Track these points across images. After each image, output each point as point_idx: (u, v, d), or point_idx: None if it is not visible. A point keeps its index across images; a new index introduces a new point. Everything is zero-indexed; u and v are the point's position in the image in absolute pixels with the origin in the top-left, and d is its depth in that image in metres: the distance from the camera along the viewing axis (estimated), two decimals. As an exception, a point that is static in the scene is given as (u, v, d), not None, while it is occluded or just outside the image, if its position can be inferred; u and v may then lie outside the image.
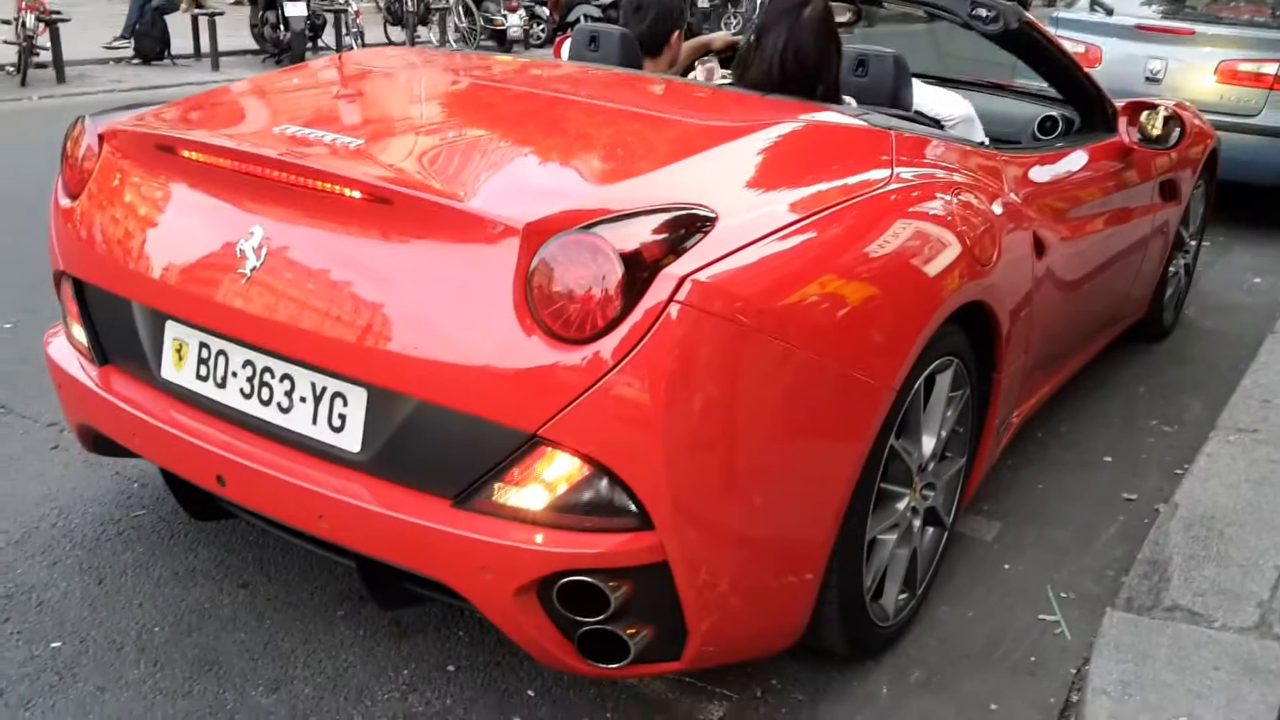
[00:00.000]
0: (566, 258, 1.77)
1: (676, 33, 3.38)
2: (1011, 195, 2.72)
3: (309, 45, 12.27)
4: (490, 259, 1.84)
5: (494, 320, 1.82)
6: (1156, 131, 3.43)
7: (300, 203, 2.02)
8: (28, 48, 9.84)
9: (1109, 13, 6.76)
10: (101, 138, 2.39)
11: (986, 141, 3.01)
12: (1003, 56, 3.44)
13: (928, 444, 2.39)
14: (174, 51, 11.82)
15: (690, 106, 2.64)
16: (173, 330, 2.21)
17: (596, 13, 13.48)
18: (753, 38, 2.77)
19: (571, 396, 1.78)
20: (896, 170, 2.34)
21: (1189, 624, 2.39)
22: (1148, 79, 6.32)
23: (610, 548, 1.84)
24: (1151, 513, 3.07)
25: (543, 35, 15.02)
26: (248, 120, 2.54)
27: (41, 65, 10.19)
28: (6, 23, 9.91)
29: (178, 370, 2.21)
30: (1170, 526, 2.80)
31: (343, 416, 2.00)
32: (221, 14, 12.24)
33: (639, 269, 1.77)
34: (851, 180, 2.24)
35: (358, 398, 1.98)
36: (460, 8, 14.62)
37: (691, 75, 3.55)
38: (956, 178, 2.51)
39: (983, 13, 3.09)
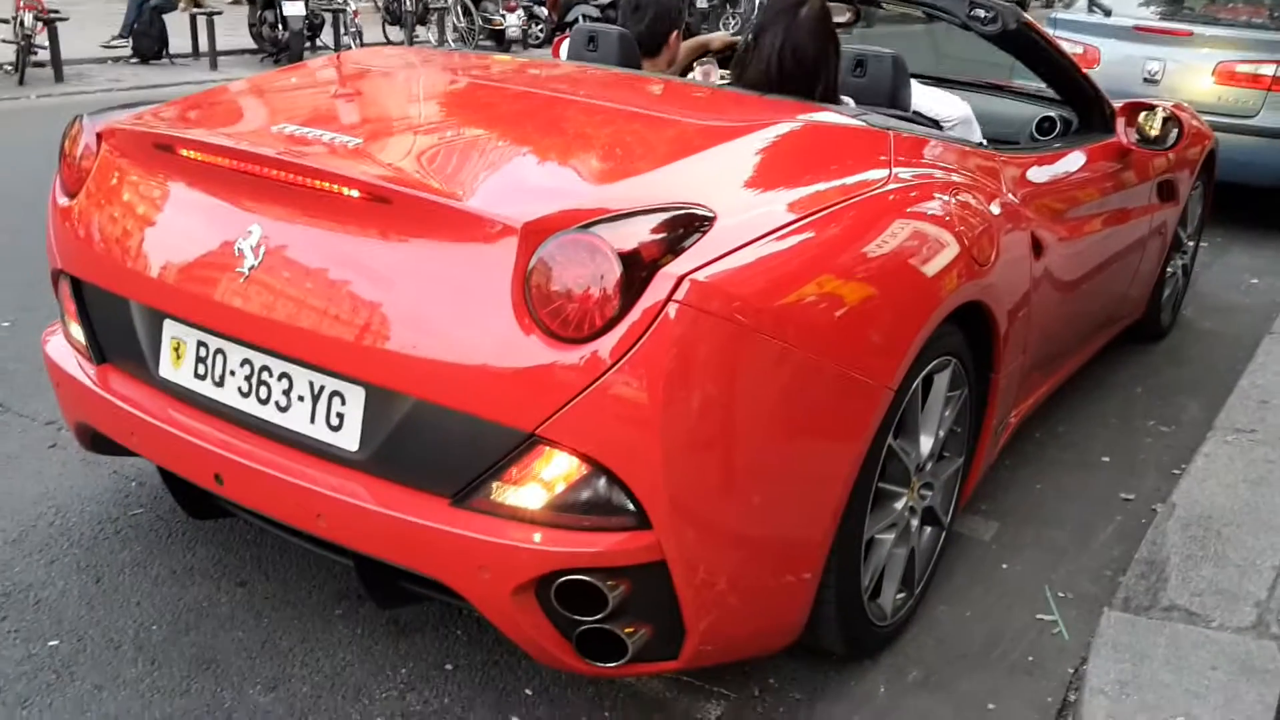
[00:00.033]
0: (565, 257, 1.78)
1: (675, 33, 3.38)
2: (1009, 196, 2.72)
3: (307, 45, 12.28)
4: (488, 258, 1.84)
5: (492, 319, 1.82)
6: (1154, 132, 3.44)
7: (299, 201, 2.02)
8: (26, 46, 9.83)
9: (1107, 14, 6.77)
10: (100, 136, 2.39)
11: (984, 143, 3.01)
12: (1001, 57, 3.45)
13: (926, 444, 2.39)
14: (172, 51, 11.82)
15: (689, 106, 2.65)
16: (171, 329, 2.21)
17: (595, 13, 13.50)
18: (750, 37, 2.77)
19: (570, 396, 1.78)
20: (895, 170, 2.34)
21: (1186, 624, 2.40)
22: (1146, 80, 6.33)
23: (608, 547, 1.84)
24: (1149, 513, 3.07)
25: (541, 35, 15.02)
26: (246, 119, 2.53)
27: (39, 64, 10.19)
28: (5, 21, 9.90)
29: (176, 369, 2.21)
30: (1168, 526, 2.81)
31: (341, 415, 2.00)
32: (220, 13, 12.24)
33: (637, 268, 1.77)
34: (850, 180, 2.24)
35: (356, 396, 1.98)
36: (458, 7, 14.62)
37: (690, 75, 3.55)
38: (955, 178, 2.51)
39: (981, 13, 3.09)
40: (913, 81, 2.92)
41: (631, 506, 1.83)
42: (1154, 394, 3.99)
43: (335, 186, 1.97)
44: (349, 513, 1.97)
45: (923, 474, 2.42)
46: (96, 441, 2.45)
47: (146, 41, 11.62)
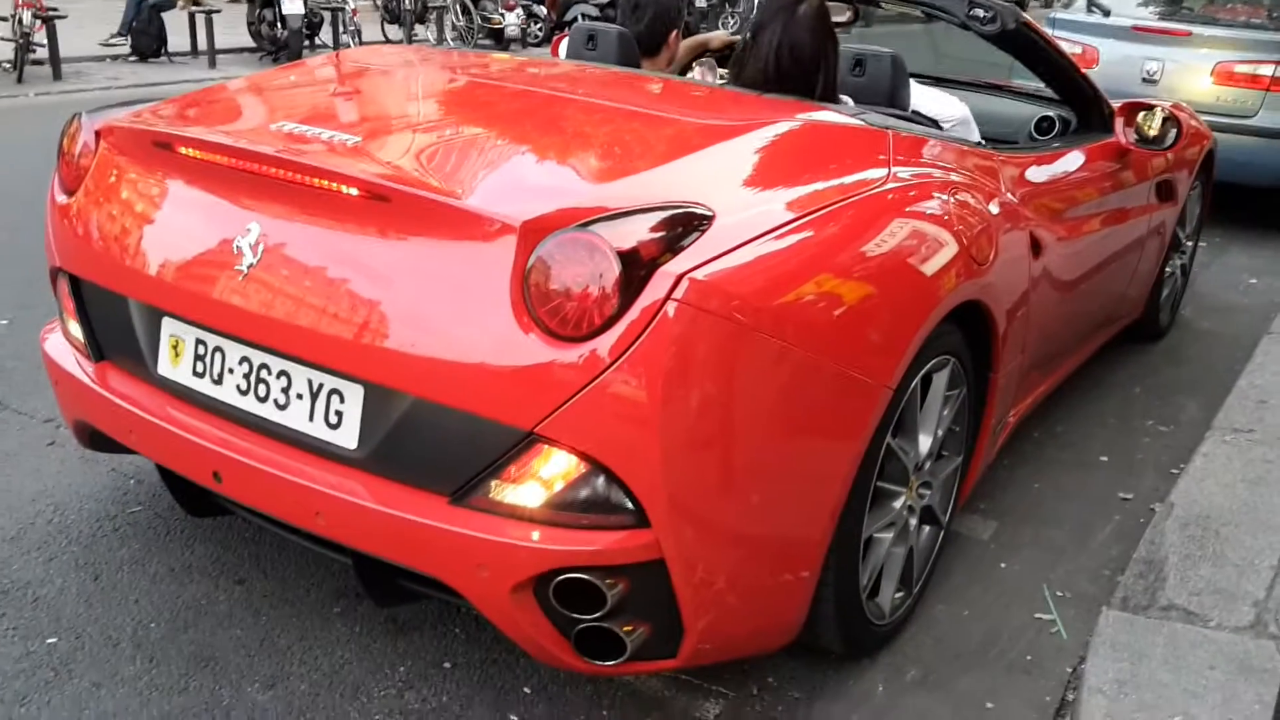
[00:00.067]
0: (564, 255, 1.78)
1: (674, 32, 3.38)
2: (1008, 195, 2.72)
3: (306, 43, 12.28)
4: (487, 256, 1.84)
5: (491, 318, 1.82)
6: (1153, 132, 3.44)
7: (297, 199, 2.02)
8: (24, 44, 9.83)
9: (1106, 14, 6.77)
10: (98, 134, 2.39)
11: (983, 142, 3.01)
12: (1000, 57, 3.45)
13: (924, 443, 2.39)
14: (171, 49, 11.82)
15: (688, 105, 2.64)
16: (169, 326, 2.21)
17: (594, 12, 13.48)
18: (749, 36, 2.78)
19: (568, 394, 1.78)
20: (894, 169, 2.34)
21: (1185, 623, 2.40)
22: (1144, 80, 6.33)
23: (607, 545, 1.84)
24: (1147, 512, 3.07)
25: (540, 34, 15.02)
26: (245, 117, 2.53)
27: (38, 62, 10.19)
28: (3, 19, 9.90)
29: (174, 367, 2.21)
30: (1166, 526, 2.81)
31: (339, 413, 2.00)
32: (218, 11, 12.24)
33: (636, 267, 1.77)
34: (848, 179, 2.24)
35: (354, 394, 1.98)
36: (458, 6, 14.62)
37: (689, 74, 3.55)
38: (953, 177, 2.52)
39: (980, 13, 3.09)
40: (911, 81, 2.92)
41: (630, 505, 1.83)
42: (1152, 394, 3.99)
43: (334, 185, 1.96)
44: (347, 510, 1.97)
45: (921, 473, 2.42)
46: (95, 439, 2.45)
47: (145, 39, 11.62)
